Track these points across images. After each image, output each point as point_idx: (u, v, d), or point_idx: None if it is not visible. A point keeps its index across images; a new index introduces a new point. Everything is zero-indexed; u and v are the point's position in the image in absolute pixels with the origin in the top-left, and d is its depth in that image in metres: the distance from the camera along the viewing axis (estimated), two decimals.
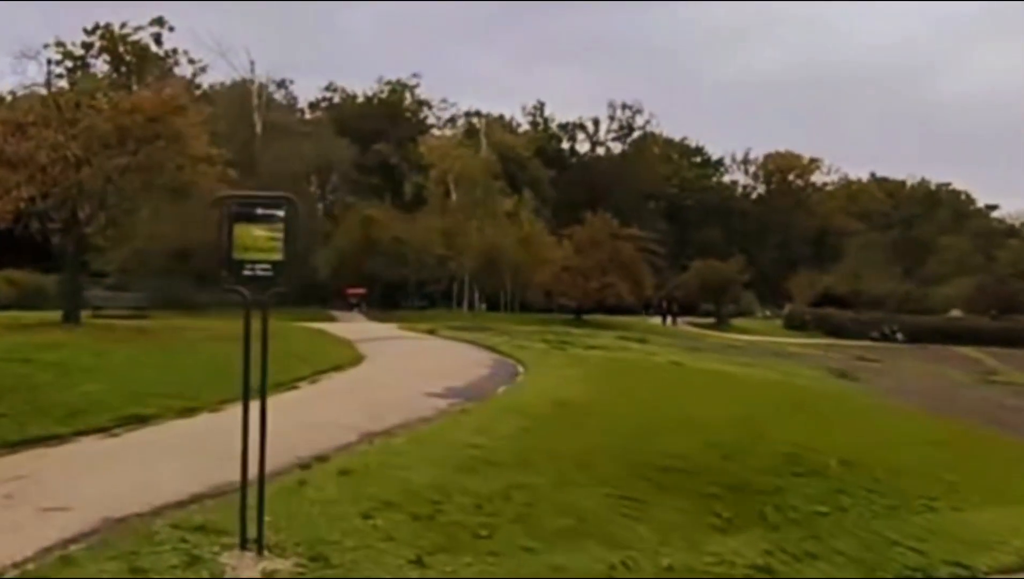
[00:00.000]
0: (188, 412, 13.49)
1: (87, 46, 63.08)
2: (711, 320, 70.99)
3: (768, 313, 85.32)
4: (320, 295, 56.49)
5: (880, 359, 47.68)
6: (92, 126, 23.68)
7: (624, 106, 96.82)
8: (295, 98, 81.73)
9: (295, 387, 16.41)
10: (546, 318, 56.43)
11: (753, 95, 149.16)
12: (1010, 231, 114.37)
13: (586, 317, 57.65)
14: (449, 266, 58.66)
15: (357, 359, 21.99)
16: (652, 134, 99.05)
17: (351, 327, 37.18)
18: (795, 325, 75.41)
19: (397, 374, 19.49)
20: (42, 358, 16.72)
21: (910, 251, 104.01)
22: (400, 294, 64.88)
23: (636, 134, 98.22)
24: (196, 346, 21.63)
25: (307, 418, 12.61)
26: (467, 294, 60.63)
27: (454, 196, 62.99)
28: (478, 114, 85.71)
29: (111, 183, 23.59)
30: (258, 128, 61.22)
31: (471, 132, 77.50)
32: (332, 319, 46.41)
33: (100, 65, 63.05)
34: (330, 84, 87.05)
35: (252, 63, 64.91)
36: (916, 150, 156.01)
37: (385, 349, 25.12)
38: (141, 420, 12.62)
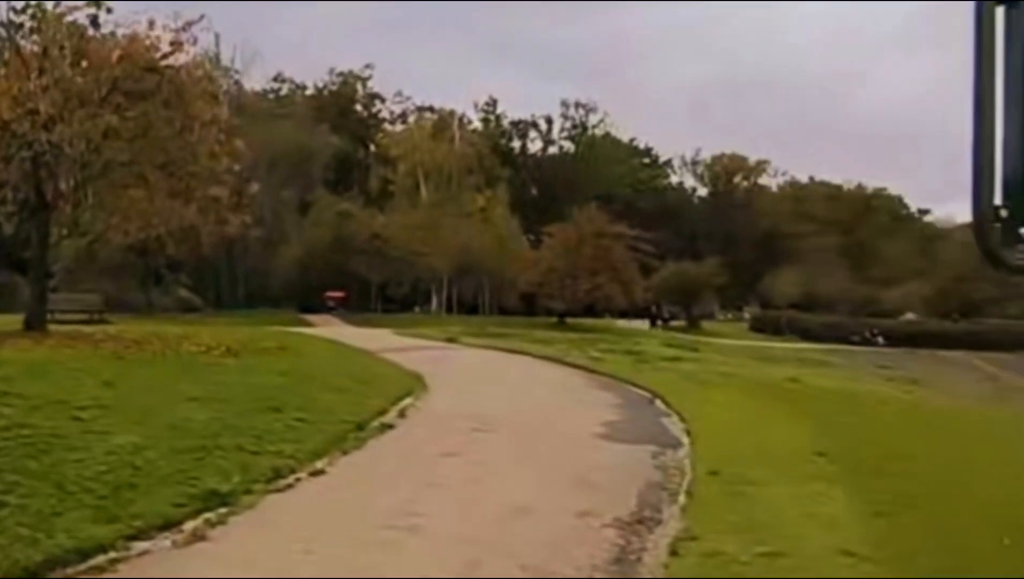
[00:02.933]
0: (276, 477, 8.66)
1: (15, 26, 55.12)
2: (682, 323, 66.49)
3: (730, 316, 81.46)
4: (292, 296, 50.01)
5: (892, 365, 43.75)
6: (64, 78, 17.45)
7: (577, 104, 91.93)
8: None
9: (389, 426, 11.82)
10: (532, 322, 50.87)
11: (697, 97, 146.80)
12: (944, 235, 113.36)
13: (569, 321, 52.23)
14: (427, 265, 52.56)
15: (415, 383, 16.36)
16: (607, 134, 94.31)
17: (345, 334, 31.26)
18: (761, 328, 71.79)
19: (513, 408, 13.94)
20: (28, 390, 10.72)
21: (854, 255, 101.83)
22: (369, 297, 58.40)
23: (590, 133, 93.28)
24: (213, 365, 15.73)
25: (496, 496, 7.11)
26: (444, 296, 54.75)
27: (424, 191, 57.04)
28: (431, 109, 79.50)
29: (95, 150, 17.23)
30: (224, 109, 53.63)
31: (441, 125, 70.80)
32: (307, 324, 40.32)
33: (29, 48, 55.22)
34: (278, 75, 79.53)
35: (217, 36, 57.08)
36: (851, 155, 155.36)
37: (430, 365, 19.33)
38: (221, 499, 7.63)
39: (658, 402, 15.30)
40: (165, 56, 18.32)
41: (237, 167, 20.71)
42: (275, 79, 78.37)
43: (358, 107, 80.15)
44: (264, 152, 47.61)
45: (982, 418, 17.21)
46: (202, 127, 18.22)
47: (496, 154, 79.48)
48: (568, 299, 50.31)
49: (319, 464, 9.54)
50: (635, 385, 17.12)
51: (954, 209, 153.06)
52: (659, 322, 60.50)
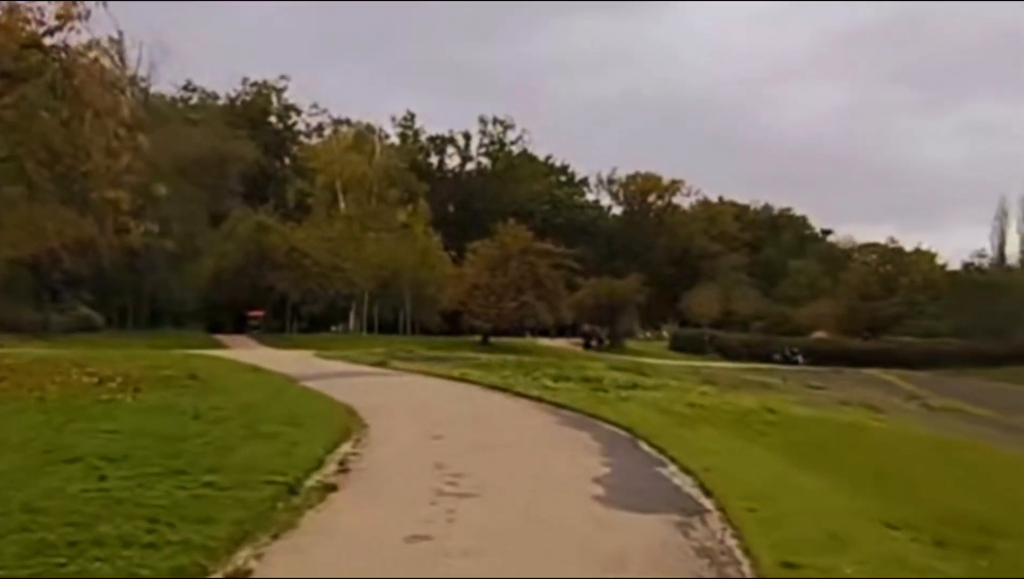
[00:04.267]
0: None
1: None
2: (606, 342, 64.47)
3: (649, 334, 79.93)
4: (203, 315, 45.97)
5: (824, 386, 42.29)
6: None
7: (495, 121, 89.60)
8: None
9: (330, 488, 8.88)
10: (456, 342, 47.91)
11: (610, 117, 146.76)
12: (847, 255, 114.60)
13: (493, 340, 49.54)
14: (348, 281, 49.15)
15: (351, 420, 13.46)
16: (524, 151, 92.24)
17: (263, 357, 27.96)
18: (681, 346, 70.53)
19: (480, 456, 11.16)
20: None
21: (763, 273, 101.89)
22: (284, 316, 54.35)
23: (508, 150, 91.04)
24: (105, 404, 12.60)
25: None
26: (364, 315, 51.35)
27: (343, 204, 53.68)
28: (348, 122, 75.87)
29: None
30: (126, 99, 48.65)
31: (360, 138, 67.00)
32: (220, 345, 36.71)
33: None
34: (188, 83, 74.65)
35: (120, 33, 52.26)
36: (757, 176, 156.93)
37: (365, 396, 16.31)
38: None
39: (643, 444, 12.63)
40: (51, 32, 15.03)
41: (140, 167, 17.40)
42: (185, 87, 73.73)
43: (273, 119, 76.14)
44: (172, 158, 43.62)
45: (993, 452, 15.08)
46: (96, 117, 14.93)
47: (414, 170, 76.56)
48: (494, 317, 47.61)
49: (241, 558, 6.60)
50: (606, 421, 14.43)
51: (854, 230, 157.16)
52: (594, 343, 58.08)
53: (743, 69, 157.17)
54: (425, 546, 7.05)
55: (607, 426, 14.02)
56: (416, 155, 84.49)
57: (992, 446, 17.39)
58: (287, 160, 72.25)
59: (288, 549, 6.93)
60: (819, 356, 65.04)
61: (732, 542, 7.60)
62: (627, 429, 13.62)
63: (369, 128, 70.01)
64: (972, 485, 10.41)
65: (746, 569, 6.90)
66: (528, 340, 55.54)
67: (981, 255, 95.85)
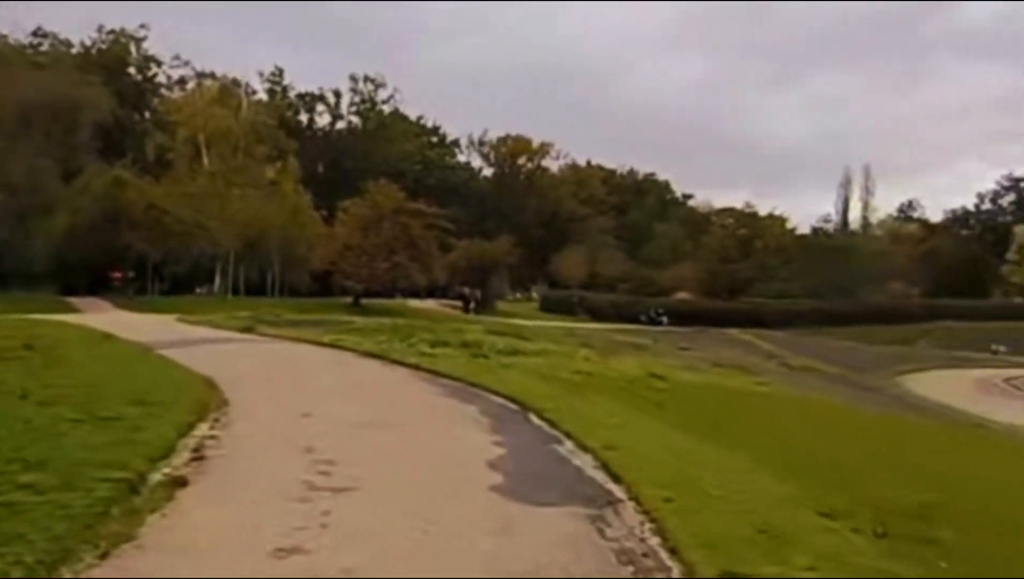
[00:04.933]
0: None
1: None
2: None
3: (519, 295, 79.25)
4: (55, 276, 42.17)
5: (691, 346, 42.34)
6: None
7: (367, 79, 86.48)
8: None
9: (180, 482, 7.41)
10: (327, 304, 45.71)
11: (482, 81, 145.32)
12: (707, 219, 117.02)
13: (365, 302, 47.53)
14: (212, 241, 46.10)
15: (211, 395, 11.83)
16: (396, 110, 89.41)
17: (119, 322, 25.54)
18: (551, 308, 70.15)
19: (358, 436, 9.77)
20: None
21: (629, 236, 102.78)
22: (146, 277, 50.62)
23: (379, 109, 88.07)
24: None
25: None
26: (230, 276, 48.44)
27: (206, 160, 50.37)
28: (213, 76, 71.27)
29: None
30: None
31: (226, 92, 62.67)
32: (71, 309, 33.67)
33: None
34: (38, 29, 68.45)
35: None
36: (623, 142, 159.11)
37: (228, 367, 14.61)
38: None
39: (534, 418, 11.48)
40: None
41: None
42: (35, 33, 67.86)
43: (132, 70, 70.99)
44: (15, 105, 39.47)
45: (878, 419, 14.57)
46: None
47: (283, 127, 73.02)
48: (366, 278, 45.60)
49: None
50: (492, 391, 13.21)
51: (713, 195, 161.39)
52: (472, 305, 56.57)
53: (610, 40, 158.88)
54: (297, 563, 5.66)
55: (494, 397, 12.80)
56: (285, 112, 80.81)
57: (869, 408, 17.04)
58: (147, 113, 67.59)
59: (117, 570, 5.41)
60: (682, 317, 65.76)
61: (655, 540, 6.50)
62: (515, 401, 12.45)
63: (235, 82, 66.10)
64: (884, 459, 9.66)
65: (677, 575, 5.82)
66: (400, 302, 53.81)
67: (827, 220, 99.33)
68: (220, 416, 10.68)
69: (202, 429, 9.82)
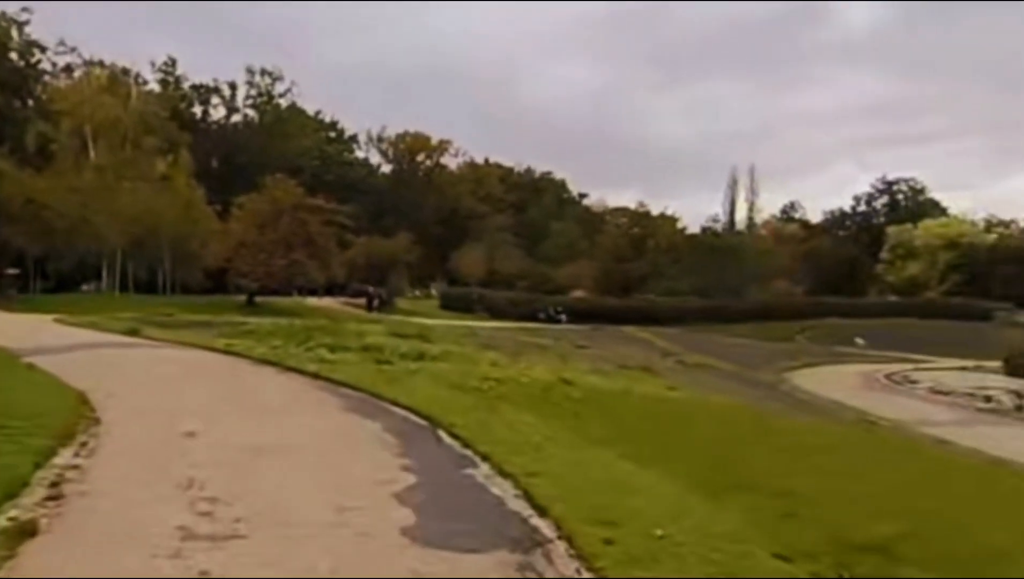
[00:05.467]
0: None
1: None
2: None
3: (419, 293, 77.61)
4: None
5: (589, 345, 41.74)
6: None
7: (263, 72, 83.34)
8: None
9: (27, 532, 6.01)
10: (220, 303, 43.35)
11: (381, 78, 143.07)
12: (601, 218, 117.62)
13: (261, 301, 45.33)
14: (98, 236, 43.09)
15: (78, 414, 10.31)
16: (293, 104, 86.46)
17: None
18: (451, 305, 68.80)
19: (242, 469, 8.44)
20: None
21: (526, 234, 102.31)
22: (27, 275, 47.04)
23: (276, 103, 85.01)
24: None
25: None
26: (117, 273, 45.45)
27: (93, 152, 47.22)
28: (102, 64, 67.30)
29: None
30: None
31: (115, 81, 58.95)
32: None
33: None
34: None
35: None
36: (520, 140, 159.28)
37: (105, 378, 13.03)
38: None
39: (444, 435, 10.33)
40: None
41: None
42: None
43: (13, 55, 66.49)
44: None
45: (807, 428, 13.88)
46: None
47: (176, 119, 69.58)
48: (262, 276, 43.38)
49: None
50: (397, 404, 12.01)
51: (607, 194, 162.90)
52: (376, 303, 54.60)
53: (507, 41, 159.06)
54: None
55: (399, 411, 11.62)
56: (178, 104, 77.22)
57: (801, 417, 16.44)
58: (30, 102, 63.47)
59: None
60: (579, 314, 65.35)
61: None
62: (423, 415, 11.28)
63: (125, 71, 62.61)
64: (831, 478, 8.85)
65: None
66: (297, 300, 51.71)
67: (715, 220, 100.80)
68: (89, 439, 9.24)
69: (65, 456, 8.39)
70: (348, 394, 12.87)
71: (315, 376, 14.43)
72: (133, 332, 21.62)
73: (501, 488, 8.09)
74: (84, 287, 50.35)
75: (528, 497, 7.64)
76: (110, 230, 42.96)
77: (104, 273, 47.99)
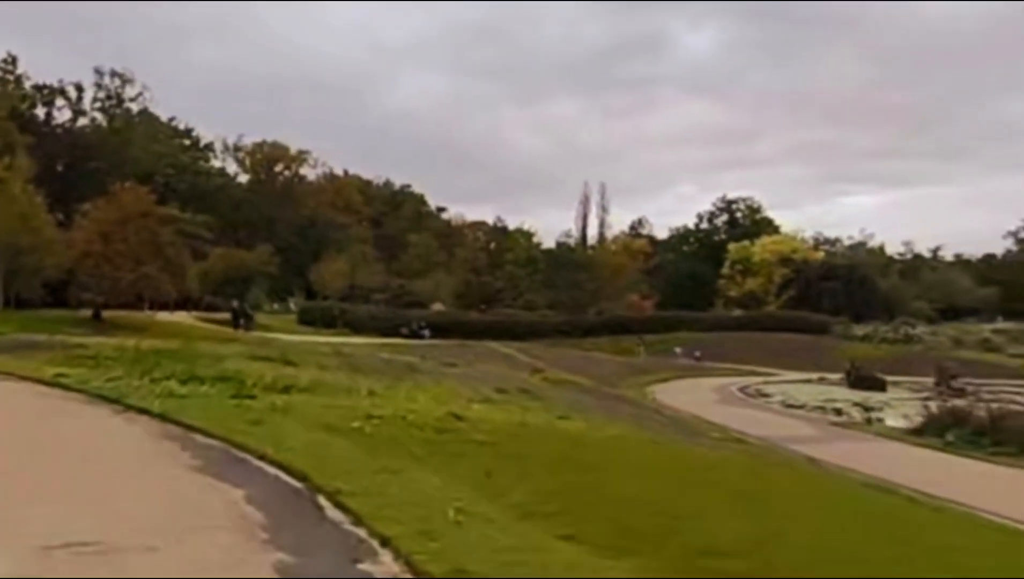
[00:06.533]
0: None
1: None
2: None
3: (276, 306, 73.23)
4: None
5: (456, 362, 39.47)
6: None
7: (113, 73, 76.93)
8: None
9: None
10: (59, 317, 38.56)
11: (237, 86, 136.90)
12: (459, 232, 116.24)
13: (108, 316, 40.72)
14: None
15: None
16: (145, 109, 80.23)
17: None
18: (310, 320, 65.15)
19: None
20: None
21: (385, 246, 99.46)
22: None
23: (126, 107, 78.66)
24: None
25: None
26: None
27: None
28: None
29: None
30: None
31: None
32: None
33: None
34: None
35: None
36: (379, 152, 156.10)
37: None
38: None
39: (325, 502, 7.86)
40: None
41: None
42: None
43: None
44: None
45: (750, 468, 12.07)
46: None
47: (14, 120, 62.98)
48: (108, 290, 38.78)
49: None
50: (264, 458, 9.41)
51: (465, 208, 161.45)
52: (242, 321, 50.15)
53: (362, 52, 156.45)
54: None
55: (269, 469, 9.02)
56: (18, 104, 70.26)
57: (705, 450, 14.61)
58: None
59: None
60: (440, 329, 63.34)
61: None
62: (298, 474, 8.75)
63: None
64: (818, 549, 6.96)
65: None
66: (147, 315, 47.11)
67: (568, 235, 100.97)
68: None
69: None
70: (202, 443, 10.11)
71: (162, 418, 11.56)
72: None
73: None
74: None
75: None
76: None
77: None
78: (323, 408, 13.00)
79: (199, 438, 10.39)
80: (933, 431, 28.51)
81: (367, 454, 9.66)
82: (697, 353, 64.15)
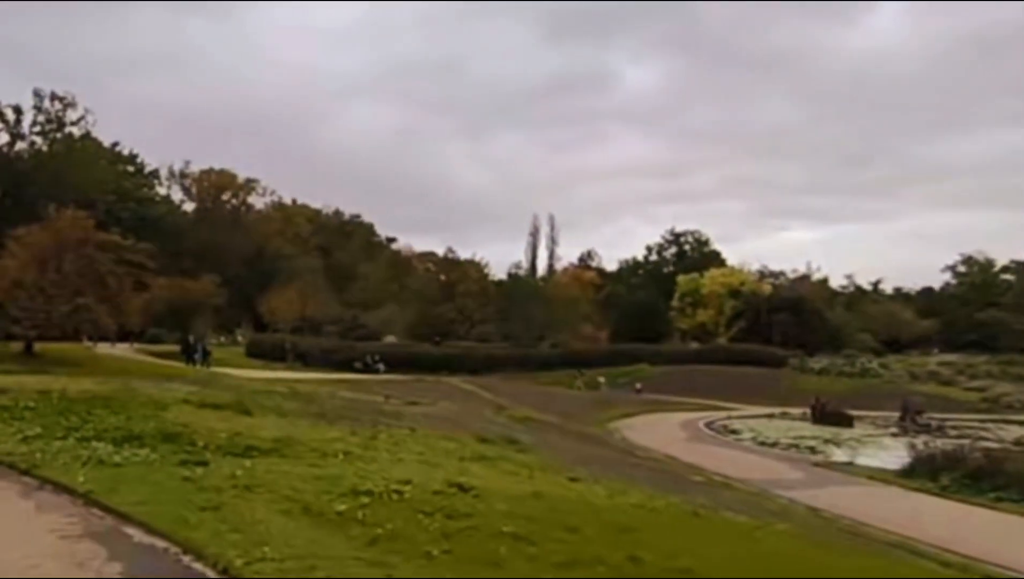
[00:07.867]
0: None
1: None
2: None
3: (223, 339, 69.38)
4: None
5: (417, 400, 36.75)
6: None
7: (54, 97, 72.45)
8: None
9: None
10: None
11: (184, 113, 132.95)
12: (410, 262, 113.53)
13: (41, 349, 36.99)
14: None
15: None
16: (87, 134, 75.69)
17: None
18: (259, 353, 61.57)
19: None
20: None
21: (334, 276, 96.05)
22: None
23: (68, 131, 74.12)
24: None
25: None
26: None
27: None
28: None
29: None
30: None
31: None
32: None
33: None
34: None
35: None
36: (328, 182, 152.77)
37: None
38: None
39: None
40: None
41: None
42: None
43: None
44: None
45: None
46: None
47: None
48: (41, 323, 35.09)
49: None
50: (227, 572, 6.76)
51: (414, 239, 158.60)
52: (197, 357, 46.58)
53: (310, 83, 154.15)
54: None
55: None
56: None
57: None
58: None
59: None
60: (394, 362, 60.40)
61: None
62: None
63: None
64: None
65: None
66: (85, 348, 43.33)
67: (518, 267, 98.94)
68: None
69: None
70: (139, 544, 7.37)
71: (86, 499, 8.78)
72: None
73: None
74: None
75: None
76: None
77: None
78: (296, 480, 10.32)
79: (136, 535, 7.63)
80: (923, 473, 26.85)
81: (373, 564, 6.99)
82: (638, 385, 62.80)
